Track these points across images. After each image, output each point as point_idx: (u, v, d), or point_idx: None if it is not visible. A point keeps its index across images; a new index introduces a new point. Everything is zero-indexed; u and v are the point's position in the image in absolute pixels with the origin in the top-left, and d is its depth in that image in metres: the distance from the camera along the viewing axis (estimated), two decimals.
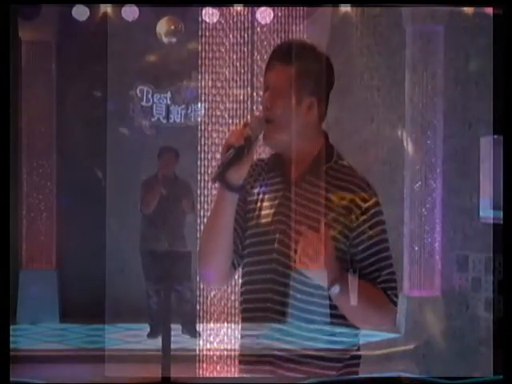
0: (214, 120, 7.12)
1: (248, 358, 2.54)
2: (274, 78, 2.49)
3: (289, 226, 2.45)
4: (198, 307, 7.02)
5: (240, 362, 2.60)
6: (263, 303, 2.47)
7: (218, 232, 2.49)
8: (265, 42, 7.09)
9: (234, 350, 6.83)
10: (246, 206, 2.54)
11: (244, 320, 2.55)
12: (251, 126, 2.45)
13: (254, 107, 7.01)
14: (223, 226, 2.48)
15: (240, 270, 2.58)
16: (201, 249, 2.57)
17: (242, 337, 2.58)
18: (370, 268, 2.45)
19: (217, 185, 2.47)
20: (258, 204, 2.53)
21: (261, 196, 2.54)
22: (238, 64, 7.08)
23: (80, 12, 8.45)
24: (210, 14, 7.19)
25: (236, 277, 2.66)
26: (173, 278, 7.32)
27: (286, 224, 2.46)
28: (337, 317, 2.44)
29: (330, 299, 2.41)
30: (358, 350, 2.52)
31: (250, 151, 2.40)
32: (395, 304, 2.48)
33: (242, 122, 2.83)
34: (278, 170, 2.54)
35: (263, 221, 2.50)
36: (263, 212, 2.52)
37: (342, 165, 2.52)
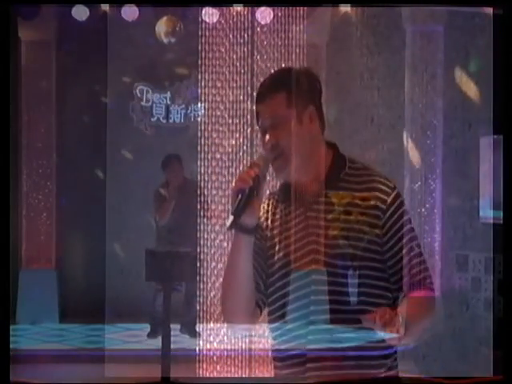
0: (213, 120, 7.11)
1: (289, 359, 2.51)
2: (269, 112, 2.48)
3: (320, 244, 2.43)
4: (198, 307, 7.02)
5: (281, 362, 2.56)
6: (306, 312, 2.45)
7: (239, 274, 2.49)
8: (265, 42, 7.09)
9: (234, 349, 6.84)
10: (265, 242, 2.54)
11: (283, 324, 2.51)
12: (258, 165, 2.44)
13: (254, 107, 7.01)
14: (243, 268, 2.48)
15: (268, 305, 2.56)
16: (224, 294, 2.57)
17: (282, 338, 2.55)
18: (404, 259, 2.45)
19: (231, 229, 2.43)
20: (283, 236, 2.51)
21: (283, 227, 2.52)
22: (238, 64, 7.07)
23: (80, 12, 8.45)
24: (209, 14, 7.19)
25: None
26: (179, 279, 7.30)
27: (317, 243, 2.44)
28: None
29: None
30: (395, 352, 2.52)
31: (259, 192, 2.41)
32: (434, 291, 2.55)
33: (248, 164, 2.82)
34: (293, 197, 2.52)
35: (294, 252, 2.47)
36: (291, 243, 2.49)
37: (356, 167, 2.52)
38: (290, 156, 2.44)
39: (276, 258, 2.51)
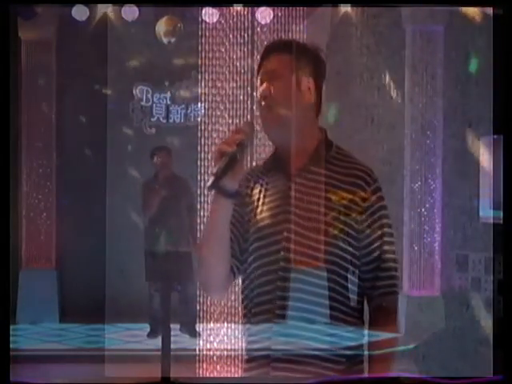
0: (213, 120, 7.12)
1: (253, 358, 2.54)
2: (271, 65, 2.54)
3: (297, 217, 2.47)
4: (198, 307, 7.02)
5: (246, 362, 2.59)
6: (271, 303, 2.48)
7: (215, 239, 2.50)
8: (265, 42, 7.09)
9: (234, 349, 6.84)
10: (243, 209, 2.55)
11: (249, 320, 2.55)
12: (243, 131, 2.46)
13: (254, 107, 7.02)
14: (220, 233, 2.49)
15: (243, 272, 2.58)
16: (200, 257, 2.57)
17: (247, 336, 2.58)
18: (374, 254, 2.48)
19: (212, 192, 2.47)
20: (261, 202, 2.55)
21: (263, 195, 2.55)
22: (237, 64, 7.08)
23: (80, 12, 8.46)
24: (209, 14, 7.19)
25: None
26: (175, 278, 7.31)
27: (294, 214, 2.47)
28: (347, 315, 2.48)
29: (338, 299, 2.44)
30: (363, 349, 2.54)
31: (242, 156, 2.41)
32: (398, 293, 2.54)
33: (233, 129, 2.88)
34: (277, 167, 2.56)
35: (269, 219, 2.51)
36: (268, 210, 2.52)
37: (342, 153, 2.56)
38: (281, 111, 2.47)
39: (252, 225, 2.54)
